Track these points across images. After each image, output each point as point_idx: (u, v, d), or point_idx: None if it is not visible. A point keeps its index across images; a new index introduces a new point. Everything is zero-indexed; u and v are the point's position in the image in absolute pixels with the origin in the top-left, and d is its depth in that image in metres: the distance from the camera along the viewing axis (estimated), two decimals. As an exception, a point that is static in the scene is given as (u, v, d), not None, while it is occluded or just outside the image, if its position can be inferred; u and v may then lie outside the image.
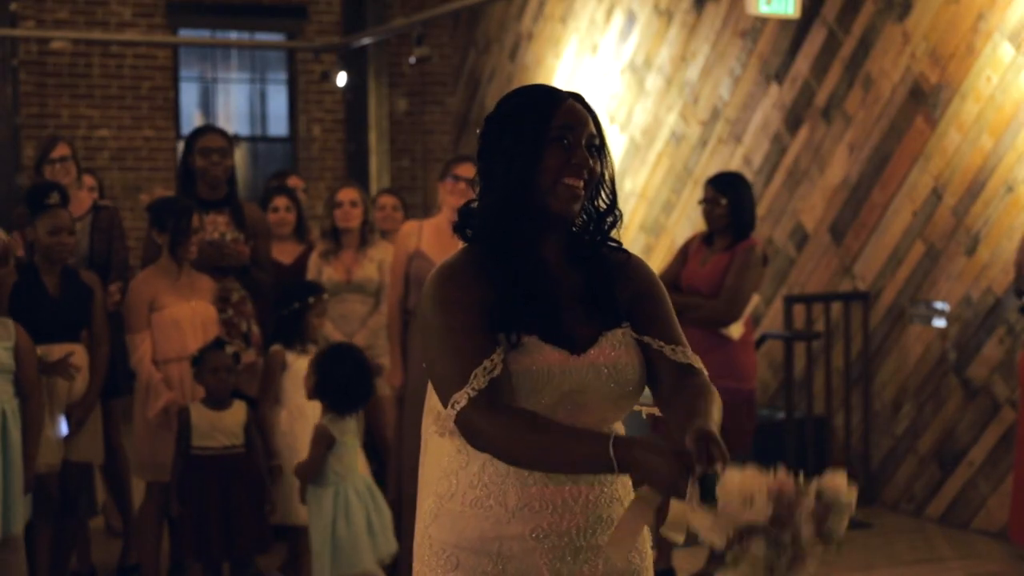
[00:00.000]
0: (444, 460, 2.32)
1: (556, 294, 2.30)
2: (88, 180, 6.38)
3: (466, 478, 2.28)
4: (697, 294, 5.65)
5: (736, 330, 5.63)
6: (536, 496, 2.26)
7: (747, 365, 5.70)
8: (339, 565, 4.81)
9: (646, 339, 2.32)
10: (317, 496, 4.85)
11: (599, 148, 2.31)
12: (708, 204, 5.76)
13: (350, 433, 4.92)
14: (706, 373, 2.32)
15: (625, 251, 2.40)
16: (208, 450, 5.12)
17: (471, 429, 2.18)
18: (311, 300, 5.54)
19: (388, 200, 7.18)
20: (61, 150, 5.83)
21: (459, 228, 2.36)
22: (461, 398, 2.17)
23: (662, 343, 2.31)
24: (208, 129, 5.91)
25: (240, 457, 5.17)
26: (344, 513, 4.84)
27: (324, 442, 4.84)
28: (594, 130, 2.31)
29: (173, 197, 5.83)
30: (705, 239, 5.85)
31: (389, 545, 4.96)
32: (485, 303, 2.23)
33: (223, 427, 5.15)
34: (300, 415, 5.45)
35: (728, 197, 5.70)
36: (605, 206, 2.36)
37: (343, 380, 4.87)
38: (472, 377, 2.17)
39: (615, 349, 2.29)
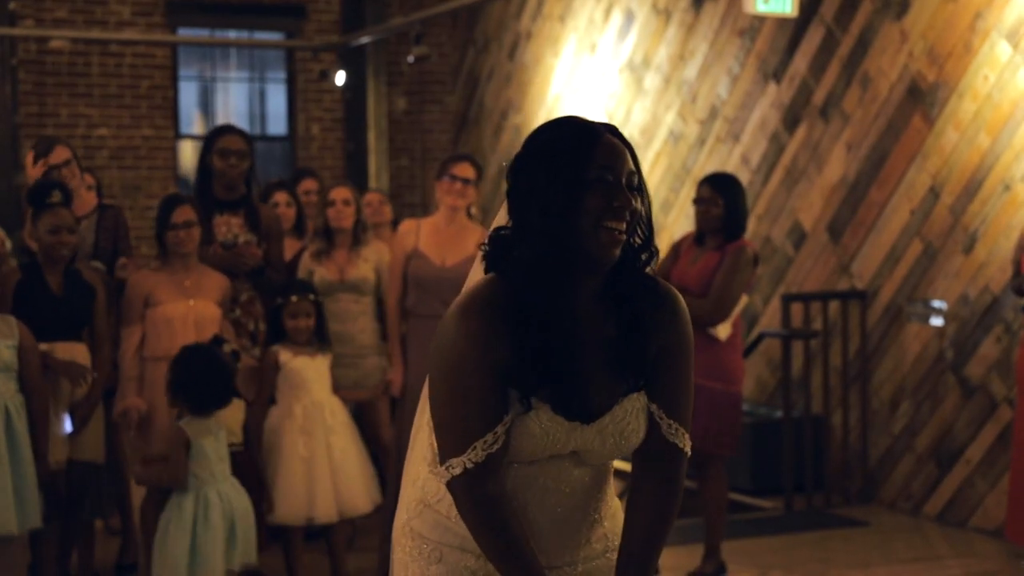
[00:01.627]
0: (433, 461, 2.32)
1: (581, 354, 2.20)
2: (87, 179, 6.38)
3: None
4: (686, 293, 5.65)
5: (723, 330, 5.63)
6: (527, 514, 2.27)
7: (734, 367, 5.69)
8: (193, 572, 4.80)
9: (652, 407, 2.27)
10: (178, 502, 4.82)
11: (638, 185, 2.21)
12: (704, 204, 5.72)
13: (211, 435, 4.91)
14: (688, 455, 2.30)
15: (660, 290, 2.29)
16: None
17: (456, 498, 2.21)
18: (279, 300, 5.55)
19: (374, 197, 7.25)
20: (62, 153, 5.69)
21: (490, 257, 2.24)
22: (457, 466, 2.17)
23: (663, 415, 2.27)
24: (228, 130, 5.83)
25: (239, 456, 5.19)
26: (204, 519, 4.82)
27: (180, 444, 4.82)
28: (633, 166, 2.20)
29: (167, 195, 5.84)
30: (696, 238, 5.83)
31: (248, 555, 4.94)
32: (502, 361, 2.15)
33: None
34: (288, 414, 5.47)
35: (724, 198, 5.69)
36: (640, 241, 2.25)
37: (196, 381, 4.88)
38: (471, 449, 2.15)
39: (626, 416, 2.25)
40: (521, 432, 2.18)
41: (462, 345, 2.14)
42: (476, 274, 2.32)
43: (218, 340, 5.16)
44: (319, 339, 5.61)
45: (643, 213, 2.22)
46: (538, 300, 2.17)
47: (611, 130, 2.22)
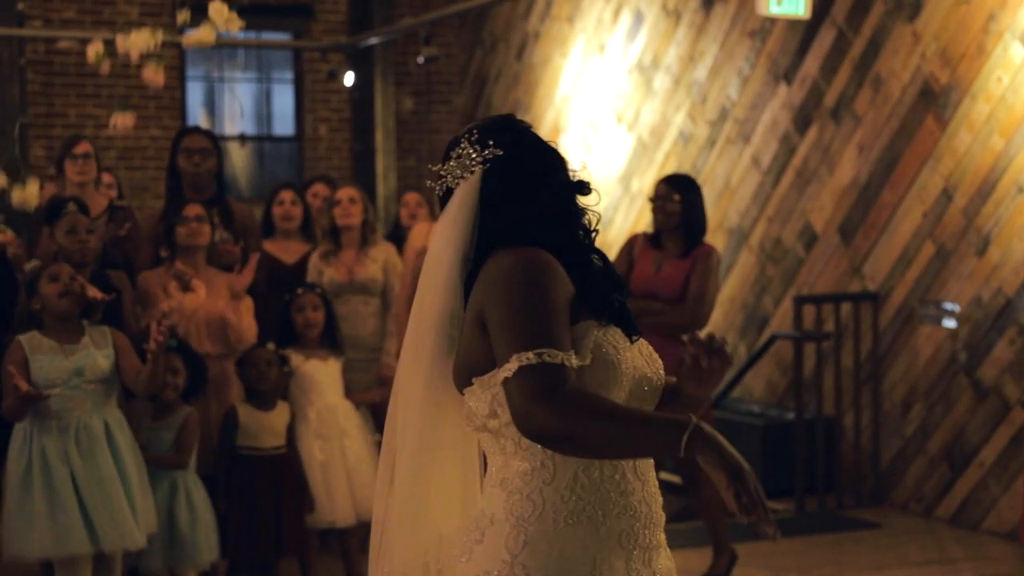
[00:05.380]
0: (516, 481, 2.22)
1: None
2: (106, 178, 6.44)
3: (554, 492, 2.19)
4: (656, 300, 5.56)
5: None
6: (635, 497, 2.22)
7: None
8: None
9: None
10: None
11: None
12: (660, 201, 5.61)
13: None
14: None
15: None
16: (258, 451, 5.17)
17: (538, 390, 2.07)
18: (286, 297, 5.54)
19: (412, 197, 7.21)
20: (84, 147, 5.92)
21: (515, 238, 2.28)
22: (560, 356, 2.09)
23: None
24: (192, 130, 5.95)
25: (285, 458, 5.23)
26: None
27: None
28: None
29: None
30: (652, 242, 5.73)
31: None
32: (568, 296, 2.21)
33: (270, 427, 5.20)
34: (302, 418, 5.45)
35: (681, 194, 5.62)
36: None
37: None
38: (566, 353, 2.11)
39: (640, 337, 2.36)
40: (601, 356, 2.19)
41: (549, 282, 2.18)
42: (435, 270, 2.32)
43: (263, 341, 5.21)
44: (330, 343, 5.59)
45: None
46: (578, 247, 2.33)
47: None
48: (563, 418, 2.06)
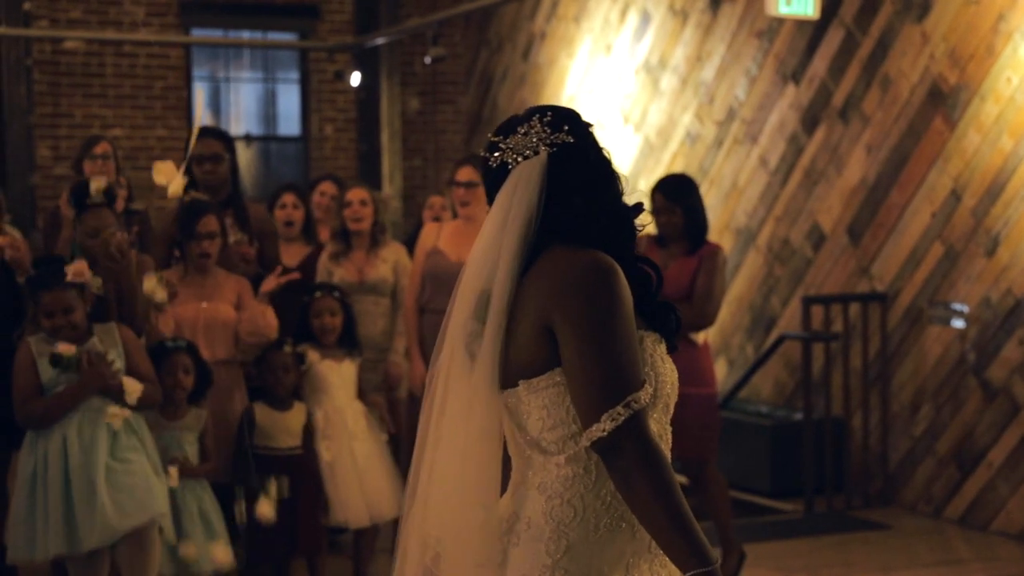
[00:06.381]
0: (556, 485, 2.21)
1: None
2: (120, 180, 6.41)
3: (595, 498, 2.20)
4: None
5: (703, 335, 5.62)
6: None
7: (709, 369, 5.67)
8: None
9: None
10: None
11: None
12: (662, 215, 5.60)
13: None
14: None
15: None
16: (274, 451, 5.17)
17: (636, 435, 2.10)
18: (304, 299, 5.53)
19: (437, 200, 7.23)
20: (103, 147, 5.97)
21: (576, 234, 2.24)
22: (643, 397, 2.12)
23: None
24: (203, 133, 5.75)
25: (301, 459, 5.23)
26: None
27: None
28: None
29: (194, 200, 5.80)
30: (656, 241, 5.71)
31: None
32: (632, 308, 2.20)
33: (287, 428, 5.20)
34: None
35: (681, 205, 5.60)
36: None
37: None
38: (643, 387, 2.13)
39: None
40: (655, 368, 2.22)
41: (624, 293, 2.16)
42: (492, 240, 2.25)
43: (280, 342, 5.21)
44: (349, 344, 5.57)
45: None
46: (631, 255, 2.30)
47: None
48: (640, 464, 2.10)
